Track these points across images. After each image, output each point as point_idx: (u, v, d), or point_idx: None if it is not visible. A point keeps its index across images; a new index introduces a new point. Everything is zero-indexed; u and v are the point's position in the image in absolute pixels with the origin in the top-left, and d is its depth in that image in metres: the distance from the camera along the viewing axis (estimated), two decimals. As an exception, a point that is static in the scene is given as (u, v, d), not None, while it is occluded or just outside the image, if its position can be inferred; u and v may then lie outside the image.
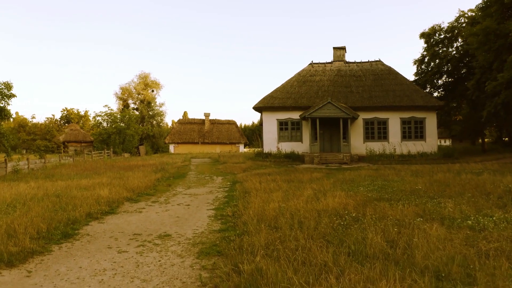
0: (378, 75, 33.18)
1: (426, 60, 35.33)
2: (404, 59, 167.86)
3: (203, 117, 73.32)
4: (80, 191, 12.42)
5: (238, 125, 76.47)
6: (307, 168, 23.23)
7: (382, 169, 20.78)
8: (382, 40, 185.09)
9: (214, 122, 73.91)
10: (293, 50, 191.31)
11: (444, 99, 33.83)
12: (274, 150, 30.93)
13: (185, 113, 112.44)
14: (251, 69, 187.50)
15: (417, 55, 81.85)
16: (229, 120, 75.90)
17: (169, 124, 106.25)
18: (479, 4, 26.56)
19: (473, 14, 30.62)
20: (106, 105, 72.49)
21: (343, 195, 9.82)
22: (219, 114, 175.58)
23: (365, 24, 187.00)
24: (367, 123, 30.76)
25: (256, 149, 74.75)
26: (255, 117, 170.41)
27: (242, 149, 72.26)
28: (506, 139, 43.68)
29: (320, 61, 35.28)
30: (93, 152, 39.70)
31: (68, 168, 24.12)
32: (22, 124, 73.73)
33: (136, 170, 21.57)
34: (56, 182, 15.75)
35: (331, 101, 28.03)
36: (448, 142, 65.84)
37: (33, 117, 77.17)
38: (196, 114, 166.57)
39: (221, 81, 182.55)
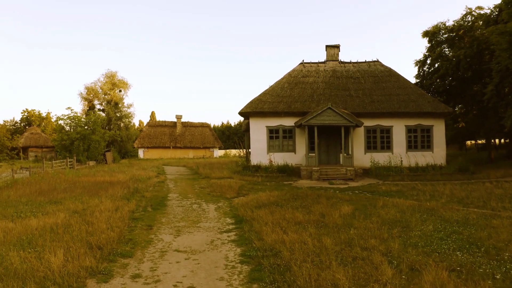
0: (378, 77, 29.85)
1: (428, 61, 32.23)
2: (401, 58, 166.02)
3: (175, 119, 68.56)
4: (22, 252, 8.23)
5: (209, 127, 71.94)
6: (312, 187, 19.60)
7: (405, 191, 17.40)
8: (375, 38, 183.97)
9: (187, 125, 69.31)
10: (276, 49, 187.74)
11: (446, 104, 30.83)
12: (264, 162, 27.06)
13: (152, 113, 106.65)
14: (224, 69, 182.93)
15: (416, 55, 78.75)
16: (202, 123, 71.43)
17: (137, 125, 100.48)
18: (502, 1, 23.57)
19: (487, 12, 27.63)
20: (69, 107, 66.27)
21: (451, 283, 6.07)
22: (187, 114, 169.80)
23: (355, 20, 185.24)
24: (369, 131, 27.38)
25: (232, 153, 70.78)
26: (224, 117, 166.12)
27: (216, 153, 67.99)
28: (497, 142, 41.64)
29: (312, 61, 31.65)
30: (54, 161, 34.61)
31: (20, 189, 19.54)
32: None
33: (103, 194, 17.31)
34: (-6, 223, 11.40)
35: (332, 106, 24.47)
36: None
37: None
38: (164, 115, 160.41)
39: (190, 80, 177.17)
